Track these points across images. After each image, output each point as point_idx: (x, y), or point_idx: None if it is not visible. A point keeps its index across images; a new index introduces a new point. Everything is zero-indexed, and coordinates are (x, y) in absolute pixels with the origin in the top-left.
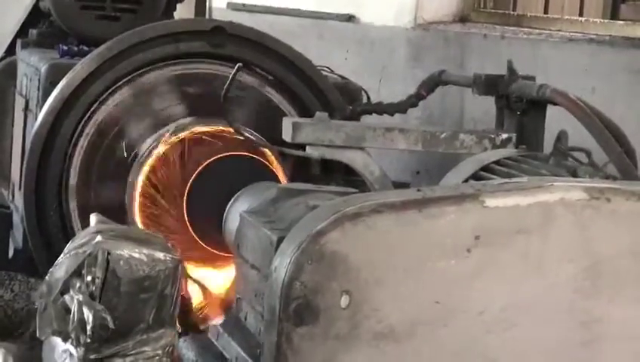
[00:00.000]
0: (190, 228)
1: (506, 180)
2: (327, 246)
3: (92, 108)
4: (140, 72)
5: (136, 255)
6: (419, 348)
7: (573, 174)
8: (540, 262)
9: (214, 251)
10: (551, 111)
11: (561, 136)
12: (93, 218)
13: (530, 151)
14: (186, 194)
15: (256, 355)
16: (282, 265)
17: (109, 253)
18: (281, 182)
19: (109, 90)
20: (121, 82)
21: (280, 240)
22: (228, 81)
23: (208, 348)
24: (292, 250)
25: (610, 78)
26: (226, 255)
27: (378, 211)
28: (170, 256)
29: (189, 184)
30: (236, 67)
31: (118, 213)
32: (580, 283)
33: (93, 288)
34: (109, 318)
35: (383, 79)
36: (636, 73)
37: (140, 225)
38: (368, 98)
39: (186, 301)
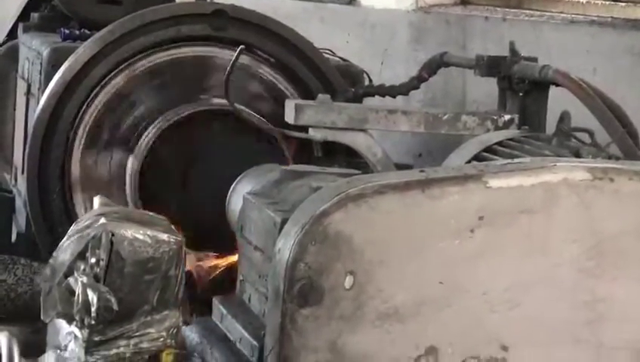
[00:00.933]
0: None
1: (509, 161)
2: (331, 227)
3: (94, 92)
4: (141, 55)
5: (140, 236)
6: (423, 328)
7: (576, 154)
8: (544, 242)
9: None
10: (554, 92)
11: (564, 117)
12: (97, 200)
13: (533, 132)
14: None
15: (260, 336)
16: (286, 246)
17: (112, 235)
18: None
19: (111, 74)
20: (122, 65)
21: (284, 222)
22: (230, 64)
23: (212, 330)
24: (296, 231)
25: (611, 59)
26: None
27: (381, 192)
28: (174, 237)
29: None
30: (238, 50)
31: (120, 195)
32: (583, 262)
33: (98, 270)
34: (113, 300)
35: (384, 62)
36: (637, 55)
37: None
38: (370, 80)
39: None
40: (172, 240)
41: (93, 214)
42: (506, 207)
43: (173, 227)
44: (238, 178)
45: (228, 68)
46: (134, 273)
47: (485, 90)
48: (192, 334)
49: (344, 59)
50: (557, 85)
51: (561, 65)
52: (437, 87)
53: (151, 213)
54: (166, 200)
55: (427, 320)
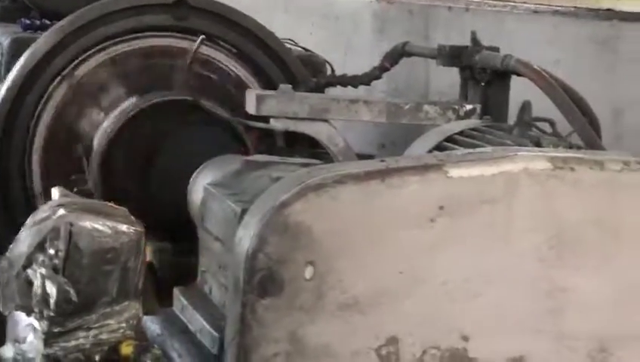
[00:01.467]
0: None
1: (470, 150)
2: (291, 218)
3: (55, 83)
4: (102, 45)
5: (99, 227)
6: (383, 318)
7: (537, 144)
8: (505, 232)
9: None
10: (518, 82)
11: (525, 107)
12: (56, 191)
13: (495, 122)
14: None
15: (221, 327)
16: (246, 236)
17: (71, 226)
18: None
19: (72, 64)
20: (83, 56)
21: (244, 212)
22: (191, 54)
23: (173, 321)
24: (256, 222)
25: (574, 49)
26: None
27: (341, 182)
28: (133, 228)
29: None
30: (199, 40)
31: (82, 186)
32: (544, 252)
33: (57, 261)
34: (72, 291)
35: (348, 53)
36: (600, 44)
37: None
38: (332, 70)
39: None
40: (131, 230)
41: (51, 205)
42: (466, 196)
43: (133, 218)
44: (199, 169)
45: (188, 58)
46: (93, 264)
47: (448, 80)
48: (152, 325)
49: (306, 50)
50: (519, 75)
51: (524, 56)
52: (400, 77)
53: (111, 204)
54: (128, 191)
55: (387, 310)
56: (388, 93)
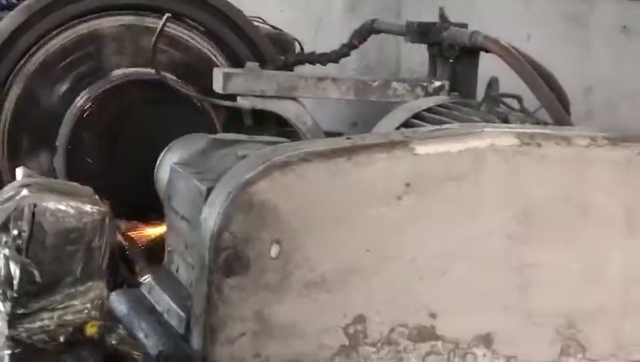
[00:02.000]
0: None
1: (437, 127)
2: (256, 196)
3: (22, 61)
4: (69, 24)
5: (63, 207)
6: (351, 296)
7: (505, 120)
8: (472, 209)
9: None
10: (490, 60)
11: (492, 83)
12: (20, 171)
13: (463, 99)
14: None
15: (188, 307)
16: (211, 215)
17: (34, 206)
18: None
19: (39, 43)
20: (50, 35)
21: (209, 191)
22: (156, 32)
23: (140, 301)
24: (221, 201)
25: (545, 25)
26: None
27: (307, 160)
28: (97, 208)
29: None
30: (164, 18)
31: (49, 165)
32: (512, 228)
33: (20, 242)
34: (36, 272)
35: (319, 31)
36: (571, 20)
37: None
38: (302, 48)
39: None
40: (95, 210)
41: (15, 185)
42: (433, 173)
43: (97, 198)
44: (166, 148)
45: (154, 36)
46: (57, 244)
47: (419, 58)
48: (120, 305)
49: (275, 28)
50: (487, 51)
51: (495, 32)
52: (371, 55)
53: (75, 184)
54: (95, 170)
55: (355, 288)
56: (359, 71)
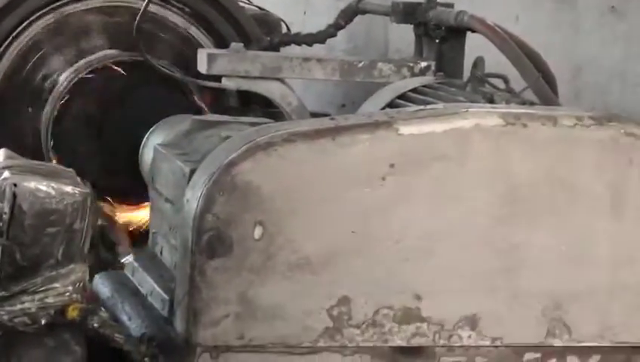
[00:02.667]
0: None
1: (421, 107)
2: (239, 177)
3: (5, 44)
4: (53, 5)
5: (44, 188)
6: (335, 278)
7: (490, 100)
8: (457, 190)
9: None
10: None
11: (478, 63)
12: (1, 153)
13: (449, 79)
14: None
15: (171, 289)
16: (194, 197)
17: (15, 187)
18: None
19: (22, 26)
20: (34, 17)
21: (192, 172)
22: (140, 13)
23: (124, 283)
24: (204, 182)
25: (533, 5)
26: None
27: (290, 140)
28: (79, 189)
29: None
30: None
31: (35, 147)
32: (497, 210)
33: (1, 224)
34: (17, 254)
35: (307, 12)
36: (559, 1)
37: (54, 161)
38: (288, 29)
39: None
40: (77, 192)
41: None
42: (417, 154)
43: (79, 179)
44: (151, 129)
45: (137, 17)
46: (37, 225)
47: (408, 38)
48: (103, 288)
49: (261, 8)
50: (473, 31)
51: (484, 12)
52: (360, 36)
53: (58, 166)
54: (81, 151)
55: (339, 270)
56: (348, 52)
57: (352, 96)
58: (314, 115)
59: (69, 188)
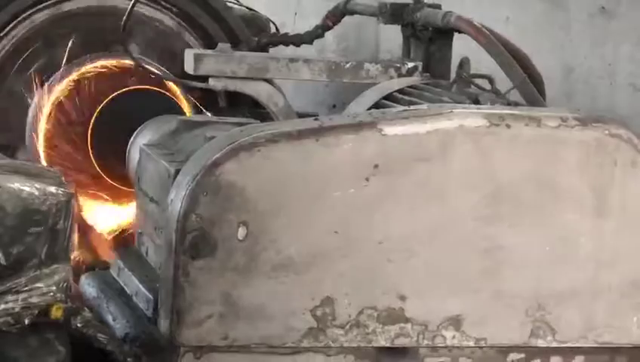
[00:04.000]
0: (95, 163)
1: (405, 108)
2: (223, 178)
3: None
4: (42, 5)
5: (27, 188)
6: (319, 278)
7: (475, 101)
8: (441, 190)
9: (120, 187)
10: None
11: (464, 64)
12: None
13: (436, 79)
14: (90, 128)
15: (156, 289)
16: (178, 197)
17: None
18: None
19: (11, 24)
20: (23, 15)
21: (177, 172)
22: (126, 13)
23: (110, 284)
24: (187, 182)
25: (523, 7)
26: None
27: (274, 141)
28: (63, 189)
29: (93, 118)
30: None
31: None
32: (481, 210)
33: None
34: (0, 254)
35: (298, 13)
36: (549, 2)
37: (44, 161)
38: (277, 30)
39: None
40: (60, 192)
41: None
42: (401, 154)
43: (63, 180)
44: (138, 130)
45: (124, 17)
46: (20, 225)
47: (398, 40)
48: (89, 288)
49: (250, 9)
50: (459, 32)
51: (474, 15)
52: (350, 37)
53: (42, 166)
54: (71, 151)
55: (323, 270)
56: (338, 53)
57: (342, 96)
58: (301, 115)
59: (52, 189)
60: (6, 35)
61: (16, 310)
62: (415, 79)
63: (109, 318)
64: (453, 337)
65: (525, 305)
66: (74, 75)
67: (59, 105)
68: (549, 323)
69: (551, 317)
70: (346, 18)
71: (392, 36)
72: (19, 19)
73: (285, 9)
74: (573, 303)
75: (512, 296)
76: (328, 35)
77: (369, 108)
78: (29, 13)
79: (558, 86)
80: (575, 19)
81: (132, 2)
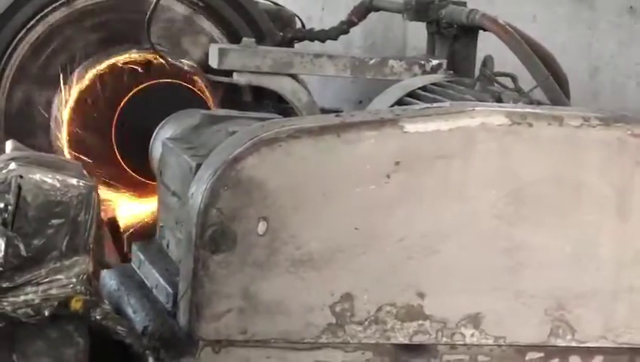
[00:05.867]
0: (119, 156)
1: (427, 105)
2: (244, 172)
3: (17, 38)
4: (56, 4)
5: (49, 180)
6: (338, 274)
7: (498, 99)
8: (461, 188)
9: (144, 180)
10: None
11: (487, 61)
12: (9, 144)
13: (461, 77)
14: (114, 123)
15: (176, 283)
16: (199, 191)
17: (20, 178)
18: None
19: (34, 20)
20: (45, 10)
21: (199, 167)
22: (151, 7)
23: (131, 276)
24: (208, 176)
25: (551, 5)
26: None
27: (295, 136)
28: (84, 181)
29: (117, 112)
30: None
31: (45, 141)
32: (501, 209)
33: (6, 215)
34: (21, 245)
35: (325, 8)
36: (577, 1)
37: (68, 155)
38: (303, 25)
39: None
40: (82, 184)
41: (4, 159)
42: (422, 152)
43: (85, 172)
44: (161, 124)
45: (149, 11)
46: (42, 217)
47: (426, 37)
48: (110, 281)
49: (276, 3)
50: (484, 30)
51: (502, 13)
52: (377, 33)
53: (64, 158)
54: (93, 145)
55: (342, 266)
56: (365, 49)
57: (368, 93)
58: (325, 111)
59: (74, 181)
60: (25, 35)
61: (36, 301)
62: (439, 76)
63: (129, 311)
64: (472, 335)
65: (545, 305)
66: (94, 71)
67: (80, 102)
68: (569, 322)
69: (570, 317)
70: (374, 14)
71: (419, 33)
72: (36, 18)
73: (313, 3)
74: (593, 303)
75: (532, 295)
76: (355, 31)
77: (392, 105)
78: (45, 12)
79: (585, 85)
80: (602, 19)
81: None
